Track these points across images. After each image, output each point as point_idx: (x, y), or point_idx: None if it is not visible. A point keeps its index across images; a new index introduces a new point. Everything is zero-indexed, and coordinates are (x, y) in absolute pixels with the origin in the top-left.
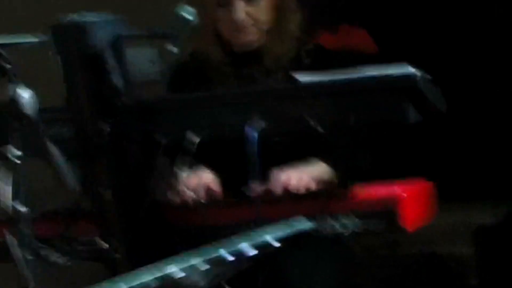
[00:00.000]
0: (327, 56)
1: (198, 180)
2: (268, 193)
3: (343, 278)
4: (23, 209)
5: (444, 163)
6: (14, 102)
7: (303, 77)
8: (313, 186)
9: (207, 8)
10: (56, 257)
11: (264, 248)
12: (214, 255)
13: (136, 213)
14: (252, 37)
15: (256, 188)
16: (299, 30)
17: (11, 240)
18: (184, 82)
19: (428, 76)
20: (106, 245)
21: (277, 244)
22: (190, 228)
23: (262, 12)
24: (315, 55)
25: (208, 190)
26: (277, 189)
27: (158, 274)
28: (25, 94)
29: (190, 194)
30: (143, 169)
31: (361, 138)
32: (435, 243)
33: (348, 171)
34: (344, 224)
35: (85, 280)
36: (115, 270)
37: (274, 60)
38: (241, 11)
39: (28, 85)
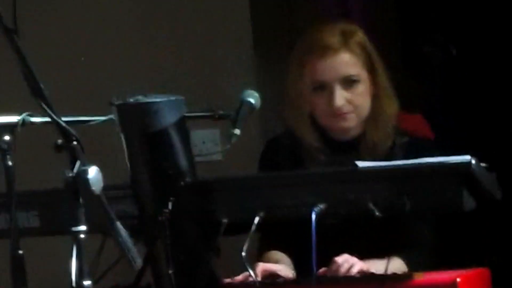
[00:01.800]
0: (420, 148)
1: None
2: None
3: None
4: (87, 283)
5: (499, 249)
6: (80, 178)
7: (362, 163)
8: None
9: (303, 93)
10: None
11: None
12: None
13: None
14: (351, 123)
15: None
16: (394, 119)
17: None
18: (274, 157)
19: (483, 163)
20: None
21: None
22: None
23: (361, 98)
24: (410, 149)
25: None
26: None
27: None
28: (91, 171)
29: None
30: (203, 248)
31: (417, 223)
32: None
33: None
34: None
35: None
36: None
37: (371, 149)
38: (341, 97)
39: (94, 162)
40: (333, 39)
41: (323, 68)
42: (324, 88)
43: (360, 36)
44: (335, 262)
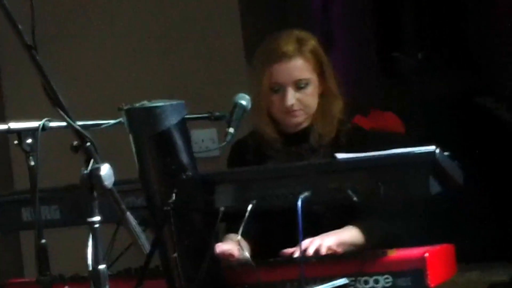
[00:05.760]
0: (362, 135)
1: (220, 248)
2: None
3: None
4: (102, 267)
5: (463, 228)
6: (94, 175)
7: (340, 155)
8: (331, 250)
9: (262, 93)
10: None
11: None
12: None
13: (198, 272)
14: (300, 119)
15: (286, 252)
16: (340, 114)
17: None
18: (242, 156)
19: (446, 152)
20: None
21: None
22: (245, 285)
23: (310, 98)
24: (352, 134)
25: (225, 256)
26: (306, 252)
27: None
28: (103, 168)
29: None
30: (204, 233)
31: (391, 207)
32: None
33: (379, 236)
34: (377, 281)
35: None
36: None
37: (318, 140)
38: (292, 97)
39: (106, 160)
40: (289, 46)
41: (278, 72)
42: (279, 89)
43: (312, 43)
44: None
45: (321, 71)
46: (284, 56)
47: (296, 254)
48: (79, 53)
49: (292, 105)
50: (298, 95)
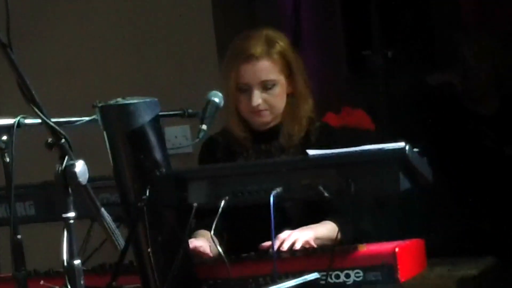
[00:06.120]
0: (331, 133)
1: (191, 245)
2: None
3: None
4: (77, 262)
5: (432, 223)
6: (69, 171)
7: (312, 152)
8: (309, 244)
9: (230, 92)
10: None
11: None
12: None
13: (171, 267)
14: (266, 119)
15: (265, 246)
16: (310, 113)
17: None
18: (212, 153)
19: (416, 149)
20: None
21: None
22: (217, 281)
23: (276, 98)
24: (320, 132)
25: (198, 253)
26: (280, 247)
27: None
28: (78, 165)
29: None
30: (177, 229)
31: (361, 203)
32: None
33: (352, 231)
34: (348, 276)
35: None
36: None
37: (287, 138)
38: (258, 97)
39: (81, 157)
40: (257, 48)
41: (245, 72)
42: (246, 89)
43: (281, 45)
44: (278, 238)
45: (289, 72)
46: (251, 57)
47: (275, 247)
48: (53, 51)
49: (258, 105)
50: (264, 95)
